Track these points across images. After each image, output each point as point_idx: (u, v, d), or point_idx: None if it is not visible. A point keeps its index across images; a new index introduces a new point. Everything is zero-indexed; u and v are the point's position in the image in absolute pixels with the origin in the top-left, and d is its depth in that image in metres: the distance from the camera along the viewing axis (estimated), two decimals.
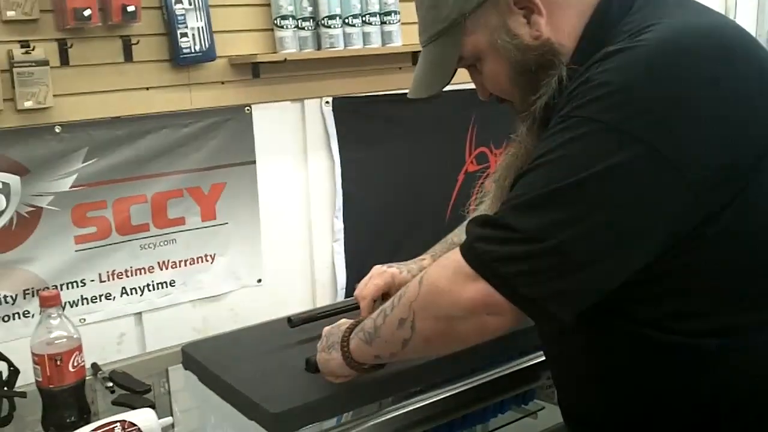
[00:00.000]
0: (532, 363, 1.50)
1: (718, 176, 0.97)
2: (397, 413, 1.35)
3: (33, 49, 1.86)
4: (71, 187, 2.00)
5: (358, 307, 1.58)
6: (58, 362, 1.29)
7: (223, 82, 2.17)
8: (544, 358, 1.48)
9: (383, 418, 1.33)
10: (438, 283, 1.06)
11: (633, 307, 1.05)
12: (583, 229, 0.96)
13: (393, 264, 1.56)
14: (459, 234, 1.60)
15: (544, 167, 0.99)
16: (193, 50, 2.05)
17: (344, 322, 1.31)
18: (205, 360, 1.50)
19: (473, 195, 1.49)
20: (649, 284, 1.02)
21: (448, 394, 1.40)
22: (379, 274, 1.52)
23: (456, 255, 1.04)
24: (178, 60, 2.05)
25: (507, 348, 1.51)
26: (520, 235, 0.97)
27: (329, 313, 1.56)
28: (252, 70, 2.19)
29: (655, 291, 1.03)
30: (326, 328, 1.35)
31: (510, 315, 1.01)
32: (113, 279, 2.10)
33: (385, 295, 1.47)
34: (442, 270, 1.06)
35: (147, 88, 2.06)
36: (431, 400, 1.38)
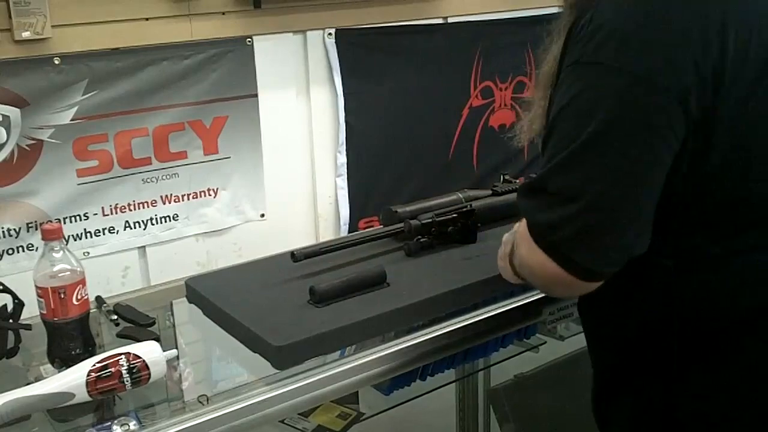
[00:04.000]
0: (534, 298, 1.50)
1: (710, 105, 1.00)
2: (400, 347, 1.36)
3: None
4: (72, 120, 1.98)
5: (361, 242, 1.58)
6: (62, 295, 1.30)
7: (223, 13, 2.13)
8: (545, 294, 1.49)
9: (386, 352, 1.34)
10: (521, 253, 1.16)
11: None
12: (608, 179, 1.02)
13: None
14: None
15: (560, 128, 1.06)
16: None
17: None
18: (208, 293, 1.50)
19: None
20: None
21: (450, 329, 1.41)
22: None
23: (524, 226, 1.11)
24: None
25: (509, 283, 1.52)
26: (561, 198, 1.04)
27: (332, 248, 1.56)
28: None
29: None
30: (506, 236, 1.39)
31: (572, 281, 1.07)
32: (116, 212, 2.10)
33: None
34: (520, 240, 1.15)
35: (146, 19, 2.02)
36: (434, 335, 1.39)
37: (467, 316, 1.44)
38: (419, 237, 1.60)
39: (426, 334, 1.39)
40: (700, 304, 1.09)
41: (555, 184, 1.05)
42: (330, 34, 2.33)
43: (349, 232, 2.45)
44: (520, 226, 1.16)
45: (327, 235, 2.45)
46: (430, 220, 1.60)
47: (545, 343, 1.69)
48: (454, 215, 1.63)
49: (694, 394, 1.12)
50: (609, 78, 1.01)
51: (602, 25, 1.03)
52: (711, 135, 1.01)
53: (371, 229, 2.02)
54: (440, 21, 2.49)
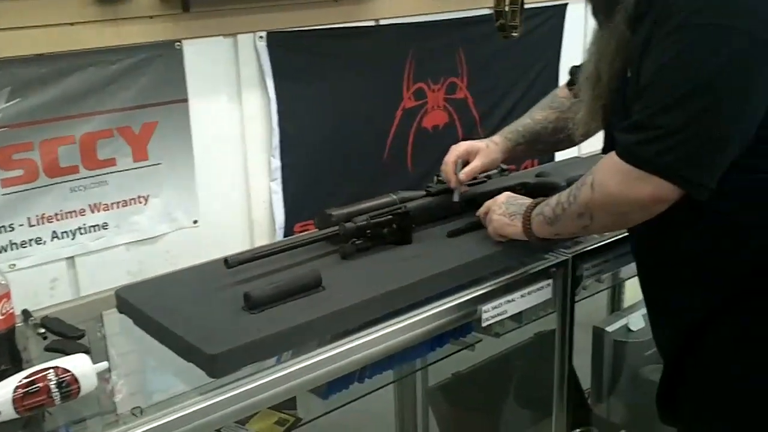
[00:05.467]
0: (469, 297, 1.51)
1: None
2: (337, 350, 1.35)
3: None
4: None
5: (295, 247, 1.57)
6: None
7: (151, 17, 2.10)
8: (481, 291, 1.51)
9: (323, 356, 1.34)
10: (609, 188, 1.28)
11: None
12: (715, 113, 1.18)
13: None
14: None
15: (671, 75, 1.20)
16: None
17: (520, 198, 1.56)
18: (139, 303, 1.47)
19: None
20: None
21: (387, 330, 1.41)
22: (456, 146, 1.79)
23: (616, 161, 1.25)
24: None
25: (445, 283, 1.53)
26: (669, 130, 1.19)
27: (266, 254, 1.54)
28: (182, 2, 2.12)
29: None
30: (502, 198, 1.58)
31: (673, 198, 1.23)
32: (43, 223, 2.05)
33: (465, 161, 1.75)
34: (608, 176, 1.28)
35: (71, 23, 1.98)
36: (371, 337, 1.39)
37: (403, 317, 1.44)
38: (354, 240, 1.60)
39: (363, 336, 1.39)
40: None
41: (663, 119, 1.20)
42: (261, 37, 2.32)
43: (285, 236, 2.44)
44: (603, 165, 1.30)
45: (262, 240, 2.43)
46: (364, 223, 1.60)
47: (481, 340, 1.71)
48: (389, 217, 1.63)
49: None
50: (712, 36, 1.16)
51: None
52: None
53: (306, 233, 2.01)
54: (372, 23, 2.50)
